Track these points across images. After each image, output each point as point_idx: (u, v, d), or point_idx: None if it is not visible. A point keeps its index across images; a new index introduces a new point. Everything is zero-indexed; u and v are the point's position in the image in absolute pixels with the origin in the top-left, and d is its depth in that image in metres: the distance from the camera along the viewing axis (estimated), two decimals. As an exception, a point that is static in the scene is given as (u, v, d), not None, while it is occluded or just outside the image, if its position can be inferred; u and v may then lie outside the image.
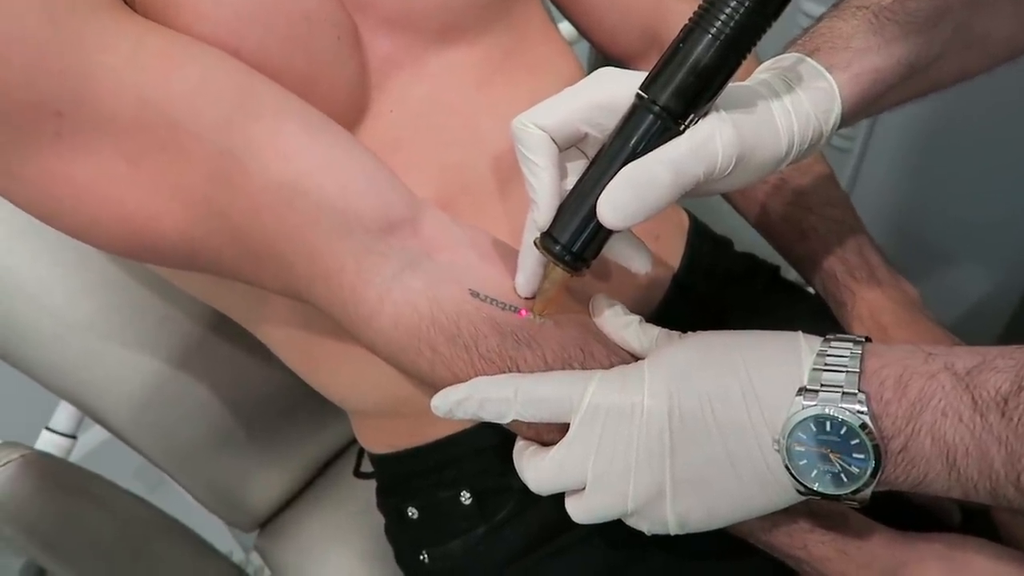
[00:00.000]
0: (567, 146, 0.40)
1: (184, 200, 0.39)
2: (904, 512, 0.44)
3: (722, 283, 0.59)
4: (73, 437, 0.65)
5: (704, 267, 0.58)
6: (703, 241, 0.61)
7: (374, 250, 0.40)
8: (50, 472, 0.55)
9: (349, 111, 0.46)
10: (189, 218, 0.39)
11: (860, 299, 0.55)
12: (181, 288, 0.54)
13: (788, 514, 0.40)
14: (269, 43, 0.41)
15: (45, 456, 0.55)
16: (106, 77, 0.36)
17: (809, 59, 0.42)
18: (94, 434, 0.98)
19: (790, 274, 0.65)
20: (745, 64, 0.36)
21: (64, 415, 0.65)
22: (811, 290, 0.62)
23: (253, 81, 0.40)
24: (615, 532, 0.40)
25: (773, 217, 0.60)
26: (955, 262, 0.94)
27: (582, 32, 0.63)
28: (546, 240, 0.39)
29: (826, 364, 0.35)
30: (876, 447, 0.33)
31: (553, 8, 0.62)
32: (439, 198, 0.46)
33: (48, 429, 0.65)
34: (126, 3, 0.40)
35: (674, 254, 0.57)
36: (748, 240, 0.65)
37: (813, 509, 0.41)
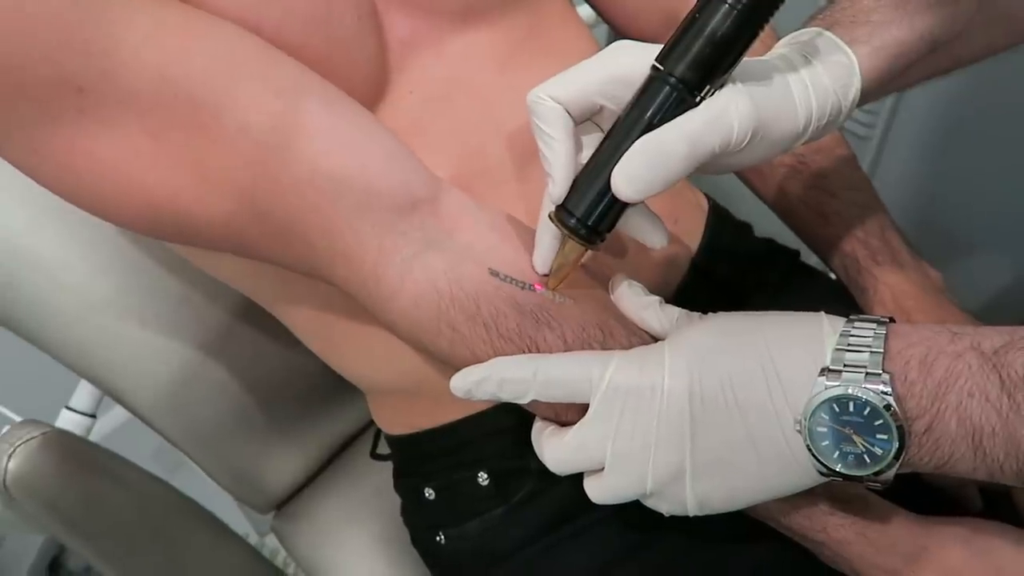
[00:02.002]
0: (583, 119, 0.40)
1: (206, 177, 0.39)
2: (923, 496, 0.44)
3: (741, 266, 0.59)
4: (93, 416, 0.65)
5: (723, 250, 0.58)
6: (722, 224, 0.60)
7: (395, 229, 0.40)
8: (71, 450, 0.55)
9: (368, 93, 0.46)
10: (211, 196, 0.39)
11: (882, 284, 0.55)
12: (201, 268, 0.54)
13: (808, 497, 0.40)
14: (288, 21, 0.41)
15: (66, 435, 0.55)
16: (127, 54, 0.36)
17: (828, 32, 0.42)
18: (112, 417, 0.99)
19: (810, 260, 0.64)
20: (763, 39, 0.36)
21: (84, 394, 0.65)
22: (832, 275, 0.61)
23: (273, 57, 0.40)
24: (633, 514, 0.40)
25: (793, 200, 0.59)
26: (977, 252, 0.93)
27: (602, 15, 0.62)
28: (561, 213, 0.39)
29: (849, 344, 0.35)
30: (900, 428, 0.33)
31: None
32: (458, 180, 0.45)
33: (68, 408, 0.65)
34: None
35: (693, 236, 0.57)
36: (767, 227, 0.65)
37: (833, 492, 0.41)
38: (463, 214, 0.43)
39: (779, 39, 0.44)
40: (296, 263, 0.43)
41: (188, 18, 0.38)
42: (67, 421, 0.65)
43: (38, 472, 0.51)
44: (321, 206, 0.39)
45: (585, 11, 0.64)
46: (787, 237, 0.64)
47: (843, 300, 0.58)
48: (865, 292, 0.56)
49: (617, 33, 0.63)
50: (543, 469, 0.40)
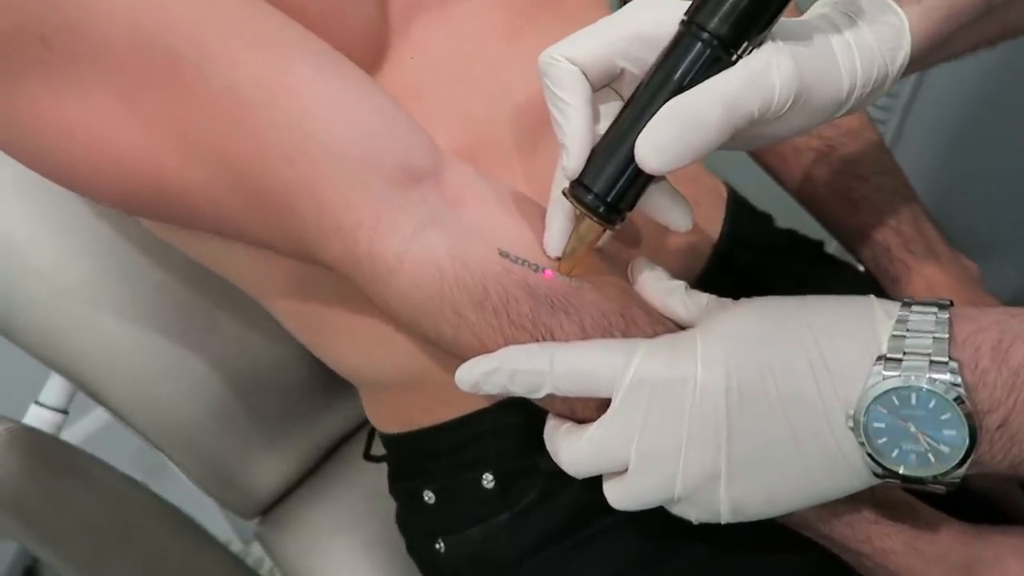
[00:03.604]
0: (601, 84, 0.36)
1: (182, 138, 0.36)
2: (964, 501, 0.41)
3: (764, 256, 0.56)
4: (64, 412, 0.62)
5: (745, 238, 0.55)
6: (743, 212, 0.58)
7: (393, 203, 0.37)
8: (36, 448, 0.53)
9: (366, 55, 0.43)
10: (188, 160, 0.36)
11: (917, 274, 0.53)
12: (180, 250, 0.51)
13: (850, 502, 0.37)
14: None
15: (31, 431, 0.52)
16: (97, 1, 0.34)
17: None
18: (91, 420, 0.98)
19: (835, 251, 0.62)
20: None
21: (55, 388, 0.62)
22: (859, 266, 0.59)
23: (260, 11, 0.37)
24: (652, 519, 0.37)
25: (819, 186, 0.57)
26: (996, 246, 0.90)
27: None
28: (577, 189, 0.36)
29: (908, 330, 0.32)
30: (971, 422, 0.30)
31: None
32: (463, 151, 0.43)
33: (37, 403, 0.61)
34: None
35: (714, 223, 0.54)
36: (786, 221, 0.62)
37: (878, 497, 0.38)
38: (469, 188, 0.40)
39: (800, 12, 0.41)
40: (282, 240, 0.40)
41: None
42: (36, 417, 0.62)
43: (0, 471, 0.48)
44: (311, 174, 0.36)
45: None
46: (808, 231, 0.61)
47: (873, 291, 0.54)
48: (897, 282, 0.54)
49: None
50: (553, 470, 0.37)
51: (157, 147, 0.36)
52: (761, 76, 0.33)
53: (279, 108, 0.36)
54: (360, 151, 0.36)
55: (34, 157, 0.38)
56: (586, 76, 0.35)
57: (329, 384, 0.63)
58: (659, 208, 0.39)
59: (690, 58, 0.33)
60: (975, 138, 0.91)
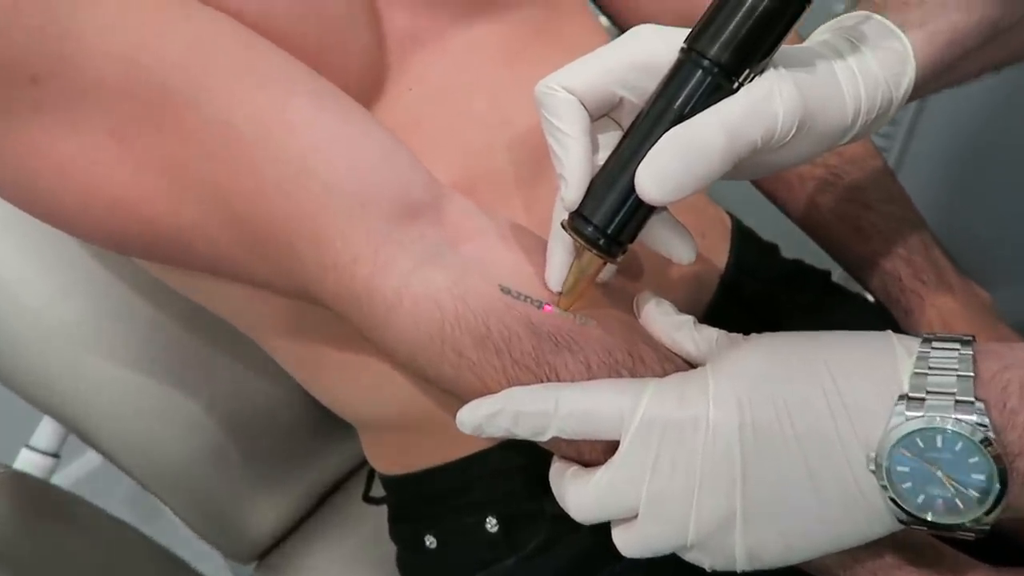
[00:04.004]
0: (600, 114, 0.36)
1: (177, 178, 0.35)
2: (992, 543, 0.39)
3: (772, 286, 0.55)
4: (56, 456, 0.61)
5: (751, 269, 0.54)
6: (748, 242, 0.57)
7: (391, 238, 0.36)
8: (27, 493, 0.52)
9: (363, 88, 0.43)
10: (183, 199, 0.36)
11: (929, 304, 0.51)
12: (175, 289, 0.50)
13: (872, 548, 0.35)
14: (274, 8, 0.38)
15: (21, 476, 0.51)
16: (90, 36, 0.33)
17: (877, 16, 0.38)
18: (84, 461, 0.96)
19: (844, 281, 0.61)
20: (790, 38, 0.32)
21: (46, 432, 0.61)
22: (868, 296, 0.57)
23: (257, 45, 0.37)
24: (664, 567, 0.36)
25: (825, 214, 0.56)
26: (1003, 273, 0.89)
27: (617, 23, 0.60)
28: (576, 221, 0.35)
29: (930, 367, 0.30)
30: (1000, 465, 0.28)
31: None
32: (462, 183, 0.42)
33: (28, 447, 0.60)
34: None
35: (720, 253, 0.53)
36: (792, 250, 0.61)
37: (900, 541, 0.36)
38: (469, 222, 0.39)
39: (800, 39, 0.40)
40: (278, 278, 0.39)
41: (161, 1, 0.35)
42: (26, 461, 0.61)
43: (-11, 518, 0.47)
44: (309, 210, 0.36)
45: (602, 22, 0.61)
46: (813, 260, 0.60)
47: (885, 323, 0.54)
48: (910, 313, 0.52)
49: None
50: (559, 513, 0.36)
51: (151, 186, 0.36)
52: (764, 103, 0.32)
53: (277, 144, 0.35)
54: (358, 186, 0.36)
55: (24, 197, 0.37)
56: (584, 105, 0.35)
57: (327, 424, 0.62)
58: (661, 240, 0.38)
59: (691, 86, 0.32)
60: (979, 163, 0.91)
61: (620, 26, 0.60)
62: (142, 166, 0.35)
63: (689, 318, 0.38)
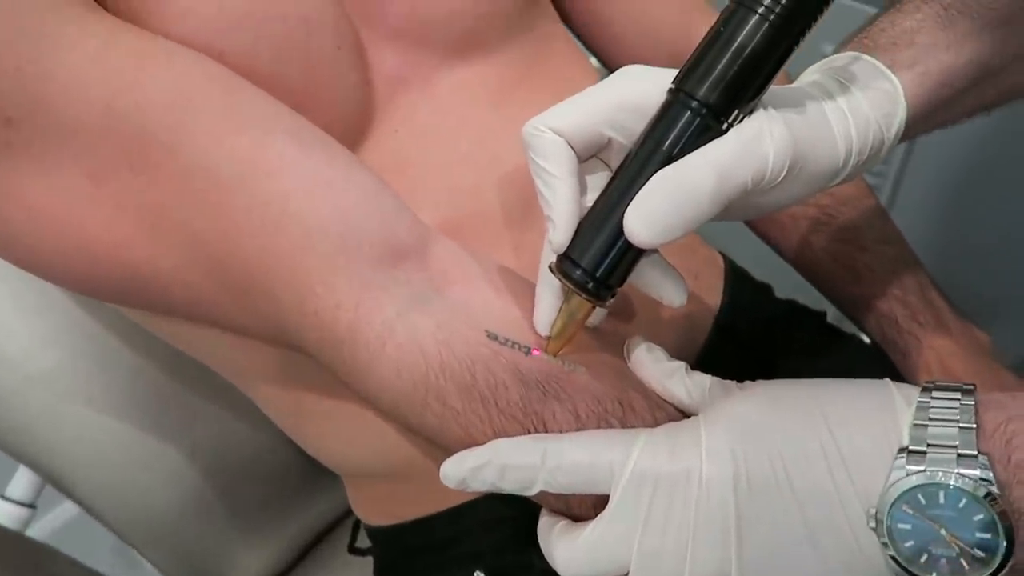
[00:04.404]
0: (588, 155, 0.35)
1: (154, 224, 0.35)
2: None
3: (767, 328, 0.55)
4: (32, 507, 0.59)
5: (746, 310, 0.54)
6: (742, 282, 0.56)
7: (374, 284, 0.35)
8: (2, 547, 0.50)
9: (349, 130, 0.42)
10: (160, 246, 0.35)
11: (927, 347, 0.51)
12: (157, 335, 0.49)
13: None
14: (259, 48, 0.38)
15: None
16: (68, 79, 0.33)
17: (866, 57, 0.38)
18: (61, 511, 0.93)
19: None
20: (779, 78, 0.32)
21: (22, 482, 0.59)
22: (864, 337, 0.57)
23: (237, 88, 0.37)
24: None
25: (819, 254, 0.55)
26: (997, 312, 0.89)
27: (607, 64, 0.60)
28: (564, 264, 0.34)
29: (931, 418, 0.29)
30: (1006, 523, 0.27)
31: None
32: (449, 225, 0.41)
33: (3, 498, 0.58)
34: (96, 1, 0.37)
35: (714, 294, 0.52)
36: (786, 290, 0.61)
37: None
38: (455, 266, 0.38)
39: (790, 79, 0.40)
40: (258, 325, 0.38)
41: (142, 42, 0.35)
42: (1, 513, 0.58)
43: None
44: (289, 255, 0.35)
45: (593, 63, 0.61)
46: (809, 301, 0.60)
47: (881, 364, 0.53)
48: (907, 356, 0.52)
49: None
50: (549, 568, 0.35)
51: (128, 230, 0.35)
52: (754, 144, 0.31)
53: (257, 187, 0.35)
54: (341, 230, 0.35)
55: None
56: (572, 146, 0.34)
57: (312, 472, 0.61)
58: (651, 283, 0.38)
59: (679, 127, 0.32)
60: (972, 200, 0.91)
61: (610, 67, 0.60)
62: (119, 209, 0.35)
63: (681, 364, 0.37)
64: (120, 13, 0.36)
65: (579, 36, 0.58)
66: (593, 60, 0.61)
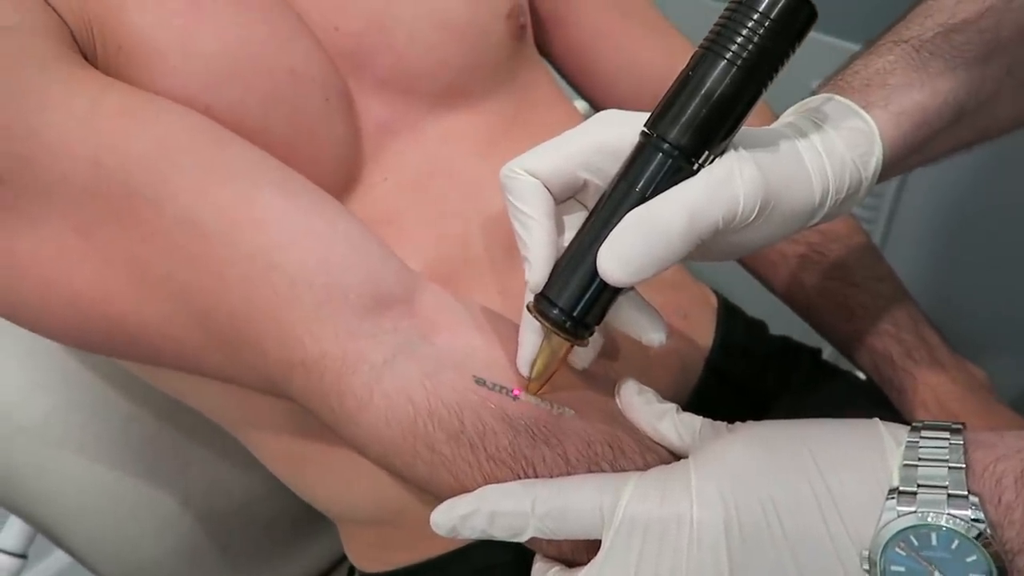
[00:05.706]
0: (565, 196, 0.36)
1: (141, 278, 0.35)
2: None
3: (760, 366, 0.54)
4: (23, 557, 0.58)
5: (739, 348, 0.53)
6: (735, 320, 0.56)
7: (361, 332, 0.35)
8: None
9: (337, 180, 0.43)
10: (147, 300, 0.35)
11: (922, 384, 0.50)
12: (149, 383, 0.49)
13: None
14: (247, 101, 0.39)
15: None
16: (56, 137, 0.33)
17: (839, 97, 0.38)
18: (53, 561, 0.91)
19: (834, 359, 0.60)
20: (759, 111, 0.32)
21: (13, 531, 0.58)
22: (859, 374, 0.56)
23: (224, 141, 0.37)
24: None
25: (810, 292, 0.55)
26: (991, 350, 0.88)
27: (594, 104, 0.60)
28: (541, 303, 0.34)
29: (920, 458, 0.29)
30: (999, 563, 0.27)
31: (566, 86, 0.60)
32: (438, 271, 0.42)
33: None
34: (85, 59, 0.37)
35: (704, 334, 0.52)
36: (780, 327, 0.60)
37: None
38: (442, 313, 0.38)
39: (776, 117, 0.40)
40: (246, 376, 0.38)
41: (129, 99, 0.36)
42: (-8, 563, 0.57)
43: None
44: (274, 307, 0.35)
45: (581, 106, 0.62)
46: (803, 337, 0.59)
47: (877, 402, 0.53)
48: (903, 393, 0.51)
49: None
50: None
51: (115, 283, 0.35)
52: (723, 185, 0.32)
53: (243, 239, 0.35)
54: (325, 280, 0.35)
55: None
56: (548, 189, 0.35)
57: (306, 518, 0.60)
58: (629, 322, 0.38)
59: (652, 168, 0.32)
60: (965, 236, 0.90)
61: (597, 107, 0.60)
62: (106, 263, 0.35)
63: (671, 406, 0.37)
64: (109, 69, 0.37)
65: (566, 78, 0.59)
66: (579, 102, 0.62)
